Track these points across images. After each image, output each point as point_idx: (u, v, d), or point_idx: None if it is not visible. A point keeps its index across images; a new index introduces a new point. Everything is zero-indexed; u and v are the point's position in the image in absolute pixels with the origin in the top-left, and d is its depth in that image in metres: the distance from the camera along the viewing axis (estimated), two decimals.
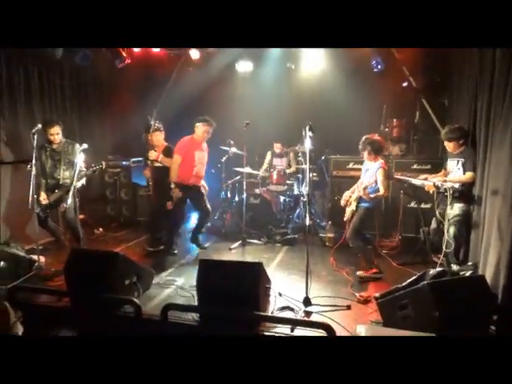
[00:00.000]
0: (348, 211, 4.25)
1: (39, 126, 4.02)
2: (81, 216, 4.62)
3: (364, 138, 4.23)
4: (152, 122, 4.72)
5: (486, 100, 3.58)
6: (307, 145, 3.56)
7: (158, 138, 4.88)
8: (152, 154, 4.71)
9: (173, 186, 4.61)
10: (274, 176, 5.95)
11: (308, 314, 3.22)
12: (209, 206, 4.93)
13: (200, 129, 4.70)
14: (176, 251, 4.85)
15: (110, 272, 3.26)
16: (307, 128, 3.56)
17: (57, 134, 4.41)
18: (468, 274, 3.44)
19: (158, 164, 4.79)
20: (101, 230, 5.86)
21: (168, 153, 4.79)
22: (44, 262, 4.14)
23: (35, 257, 4.06)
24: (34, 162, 3.88)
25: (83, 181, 4.45)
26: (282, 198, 6.09)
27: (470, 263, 3.76)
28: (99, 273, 3.26)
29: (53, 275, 3.92)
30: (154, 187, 4.93)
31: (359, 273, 4.08)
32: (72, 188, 4.05)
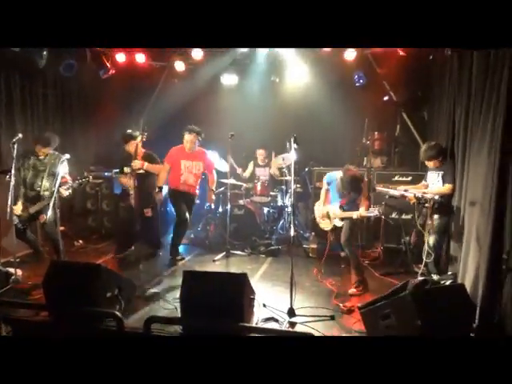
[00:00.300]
0: (329, 224, 4.33)
1: (20, 135, 3.93)
2: (61, 227, 4.53)
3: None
4: (139, 132, 4.67)
5: (463, 113, 3.72)
6: (292, 156, 3.60)
7: (139, 145, 4.85)
8: (136, 163, 4.67)
9: (157, 189, 4.86)
10: (258, 187, 5.97)
11: (292, 324, 3.22)
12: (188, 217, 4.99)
13: (185, 138, 4.89)
14: (161, 253, 5.04)
15: (91, 284, 3.18)
16: (292, 140, 3.60)
17: (46, 153, 4.39)
18: (448, 283, 3.50)
19: (140, 171, 4.75)
20: (81, 241, 5.73)
21: (150, 159, 4.83)
22: (21, 275, 4.03)
23: (12, 270, 3.94)
24: (13, 172, 3.80)
25: (69, 191, 4.35)
26: (265, 209, 6.11)
27: (449, 273, 3.85)
28: (80, 285, 3.18)
29: (31, 288, 3.81)
30: (137, 194, 4.84)
31: (351, 291, 3.97)
32: (53, 199, 3.97)
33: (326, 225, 4.45)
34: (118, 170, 5.08)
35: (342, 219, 4.19)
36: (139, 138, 4.67)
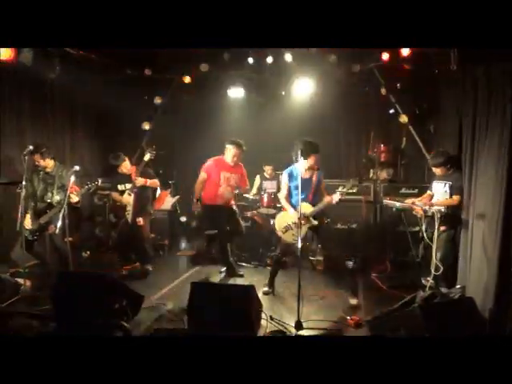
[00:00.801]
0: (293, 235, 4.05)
1: (30, 147, 3.99)
2: (69, 238, 4.56)
3: None
4: (149, 152, 4.74)
5: (470, 126, 3.72)
6: (299, 168, 3.61)
7: (127, 166, 4.94)
8: (140, 181, 4.75)
9: (195, 200, 4.80)
10: (265, 199, 5.98)
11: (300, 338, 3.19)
12: (242, 226, 5.02)
13: (229, 152, 4.73)
14: (151, 269, 4.89)
15: (98, 295, 3.20)
16: (299, 152, 3.62)
17: (49, 165, 4.40)
18: (457, 296, 3.47)
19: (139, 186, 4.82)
20: (88, 252, 5.77)
21: (149, 175, 4.90)
22: (30, 286, 4.05)
23: (21, 280, 3.97)
24: (24, 183, 3.86)
25: (78, 197, 4.38)
26: (272, 221, 6.10)
27: (458, 286, 3.81)
28: (87, 296, 3.20)
29: (39, 299, 3.82)
30: (136, 209, 4.87)
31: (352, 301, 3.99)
32: (62, 210, 4.00)
33: (289, 236, 4.06)
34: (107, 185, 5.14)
35: (315, 217, 4.00)
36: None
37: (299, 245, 3.49)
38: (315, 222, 4.03)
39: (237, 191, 5.03)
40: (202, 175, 4.73)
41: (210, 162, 4.78)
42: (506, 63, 2.78)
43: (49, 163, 4.39)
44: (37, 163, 4.34)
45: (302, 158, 3.80)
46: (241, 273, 4.95)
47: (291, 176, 4.02)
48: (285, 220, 4.12)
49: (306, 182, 3.96)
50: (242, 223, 5.67)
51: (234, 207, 4.97)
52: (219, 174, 4.71)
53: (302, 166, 3.92)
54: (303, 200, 3.89)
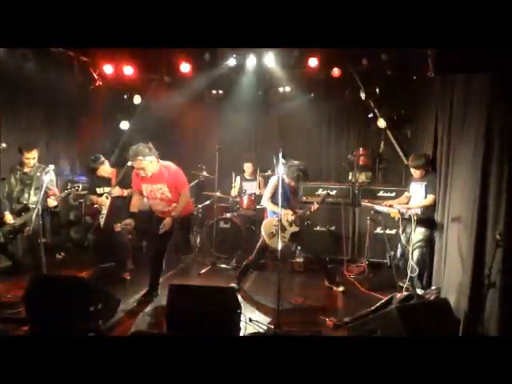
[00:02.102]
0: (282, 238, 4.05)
1: (3, 145, 3.88)
2: (43, 240, 4.43)
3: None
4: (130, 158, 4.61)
5: (446, 132, 3.83)
6: (280, 171, 3.63)
7: (107, 169, 4.81)
8: (116, 191, 4.64)
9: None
10: (245, 201, 5.98)
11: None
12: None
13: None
14: (128, 277, 4.72)
15: (73, 298, 3.11)
16: (280, 155, 3.64)
17: (33, 158, 4.30)
18: (432, 297, 3.55)
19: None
20: (63, 254, 5.61)
21: (126, 184, 4.67)
22: (1, 289, 3.90)
23: None
24: None
25: (56, 202, 4.29)
26: (252, 223, 6.11)
27: (433, 287, 3.90)
28: (62, 299, 3.10)
29: (11, 302, 3.69)
30: (111, 214, 4.75)
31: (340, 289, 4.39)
32: (36, 210, 3.88)
33: (275, 241, 4.03)
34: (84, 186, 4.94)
35: (294, 223, 4.24)
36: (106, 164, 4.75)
37: (279, 247, 3.51)
38: (297, 228, 4.26)
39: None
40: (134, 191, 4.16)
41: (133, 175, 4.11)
42: (483, 71, 2.87)
43: (33, 156, 4.29)
44: (26, 159, 4.25)
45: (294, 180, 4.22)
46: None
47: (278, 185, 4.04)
48: (271, 226, 4.23)
49: (288, 192, 4.28)
50: (223, 224, 5.67)
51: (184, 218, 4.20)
52: (140, 187, 4.00)
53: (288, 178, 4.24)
54: (286, 207, 4.20)
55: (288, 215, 4.25)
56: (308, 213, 4.30)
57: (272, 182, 4.30)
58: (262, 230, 4.27)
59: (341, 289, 4.39)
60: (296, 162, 4.28)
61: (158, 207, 4.02)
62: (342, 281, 4.69)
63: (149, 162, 3.77)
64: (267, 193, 4.29)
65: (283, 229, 4.20)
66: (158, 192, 3.93)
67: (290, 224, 4.25)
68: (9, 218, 4.13)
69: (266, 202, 4.31)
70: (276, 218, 4.09)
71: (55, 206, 4.28)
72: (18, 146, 4.39)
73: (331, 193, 4.50)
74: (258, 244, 4.31)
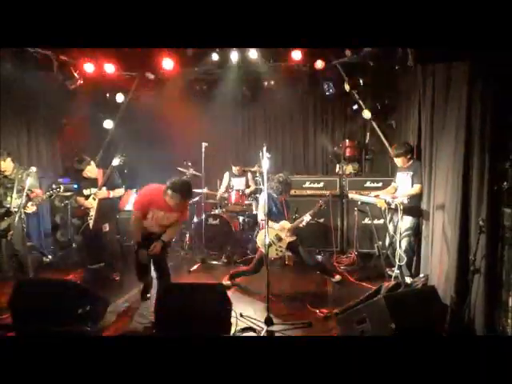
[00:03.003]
0: (279, 248, 4.29)
1: None
2: (28, 243, 4.36)
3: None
4: (118, 158, 4.56)
5: (428, 121, 3.86)
6: (264, 165, 3.62)
7: (93, 170, 4.71)
8: (103, 193, 4.59)
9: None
10: (233, 196, 5.95)
11: (270, 333, 3.20)
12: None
13: (170, 198, 3.53)
14: (117, 278, 4.67)
15: (60, 302, 3.07)
16: (264, 149, 3.62)
17: (9, 166, 4.23)
18: (420, 285, 3.59)
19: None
20: (50, 257, 5.53)
21: (113, 184, 4.69)
22: None
23: None
24: None
25: (35, 207, 4.23)
26: (241, 218, 6.10)
27: (421, 275, 3.95)
28: (49, 303, 3.05)
29: None
30: (99, 215, 4.69)
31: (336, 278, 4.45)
32: (19, 213, 3.82)
33: (272, 251, 4.21)
34: (74, 188, 4.88)
35: (293, 232, 4.27)
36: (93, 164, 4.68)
37: (267, 241, 3.51)
38: (294, 237, 4.29)
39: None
40: (136, 214, 3.69)
41: (141, 195, 3.85)
42: (462, 59, 2.89)
43: (8, 165, 4.18)
44: (3, 169, 4.18)
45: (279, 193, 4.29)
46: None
47: (269, 198, 4.15)
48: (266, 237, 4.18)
49: (280, 205, 4.36)
50: (212, 221, 5.65)
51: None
52: (147, 211, 3.66)
53: (275, 194, 4.33)
54: (282, 218, 4.31)
55: (285, 225, 4.27)
56: (301, 225, 4.29)
57: (262, 199, 4.32)
58: (258, 241, 4.29)
59: (337, 278, 4.44)
60: (276, 176, 4.34)
61: (153, 229, 3.73)
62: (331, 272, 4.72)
63: (178, 199, 3.50)
64: (260, 210, 4.32)
65: (279, 239, 4.26)
66: (167, 220, 3.68)
67: (287, 234, 4.26)
68: None
69: (260, 215, 4.33)
70: (276, 226, 4.25)
71: (34, 212, 4.21)
72: None
73: (321, 203, 4.44)
74: (257, 255, 4.29)
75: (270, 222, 4.10)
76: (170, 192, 3.46)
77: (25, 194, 3.84)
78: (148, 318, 3.46)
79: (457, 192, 2.98)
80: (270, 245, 4.14)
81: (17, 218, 3.82)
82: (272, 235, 4.21)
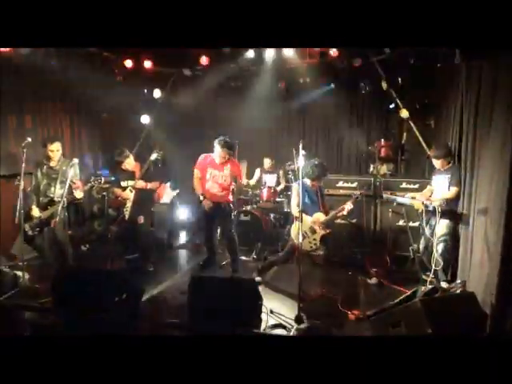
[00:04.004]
0: (313, 240, 4.22)
1: (29, 139, 3.95)
2: (68, 232, 4.55)
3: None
4: (156, 153, 4.76)
5: (472, 121, 3.71)
6: (300, 162, 3.60)
7: (131, 162, 4.87)
8: (140, 183, 4.73)
9: (201, 197, 4.57)
10: (265, 193, 5.97)
11: (300, 331, 3.19)
12: (233, 231, 4.76)
13: (215, 150, 4.52)
14: (151, 268, 4.82)
15: (98, 289, 3.19)
16: (300, 146, 3.61)
17: (57, 150, 4.36)
18: (458, 291, 3.47)
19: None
20: (88, 246, 5.75)
21: (150, 177, 4.84)
22: (28, 279, 4.04)
23: (19, 273, 3.95)
24: (22, 176, 3.83)
25: (82, 194, 4.40)
26: (272, 215, 6.11)
27: (458, 280, 3.81)
28: (88, 290, 3.18)
29: (38, 292, 3.81)
30: (135, 207, 4.83)
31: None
32: (62, 203, 3.98)
33: (306, 244, 4.16)
34: (112, 179, 5.01)
35: (327, 225, 4.17)
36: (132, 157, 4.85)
37: (300, 239, 3.50)
38: (328, 230, 4.20)
39: (232, 187, 4.74)
40: (195, 172, 4.65)
41: (200, 159, 4.68)
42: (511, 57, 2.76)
43: (56, 154, 4.37)
44: (51, 152, 4.33)
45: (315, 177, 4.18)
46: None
47: (302, 188, 4.03)
48: (299, 229, 4.13)
49: (314, 194, 4.25)
50: (243, 217, 5.69)
51: (226, 206, 4.69)
52: (206, 171, 4.60)
53: (308, 181, 4.24)
54: (316, 210, 4.20)
55: (319, 217, 4.18)
56: (341, 214, 4.17)
57: (295, 188, 4.26)
58: (292, 233, 4.26)
59: (373, 281, 4.40)
60: (311, 160, 4.24)
61: (213, 190, 4.58)
62: (364, 274, 4.65)
63: (229, 154, 4.51)
64: (293, 200, 4.27)
65: (313, 232, 4.18)
66: (222, 178, 4.58)
67: (321, 227, 4.18)
68: (35, 211, 4.23)
69: (294, 209, 4.25)
70: (309, 219, 4.16)
71: (80, 198, 4.37)
72: (42, 140, 4.49)
73: (357, 194, 4.34)
74: (288, 245, 4.29)
75: (304, 215, 3.97)
76: (217, 146, 4.44)
77: (68, 184, 4.00)
78: (180, 309, 3.52)
79: (501, 196, 2.85)
80: (303, 237, 4.10)
81: (60, 208, 3.99)
82: (306, 227, 4.14)
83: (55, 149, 4.34)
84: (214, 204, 4.57)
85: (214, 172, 4.59)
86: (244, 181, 6.22)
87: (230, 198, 4.77)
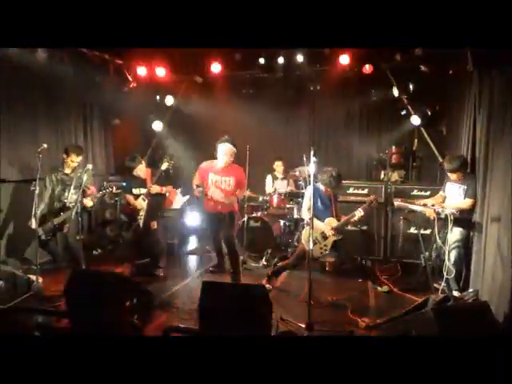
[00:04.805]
0: (324, 246, 4.24)
1: (44, 145, 4.00)
2: (81, 237, 4.61)
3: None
4: (167, 161, 4.83)
5: (484, 128, 3.68)
6: (311, 169, 3.61)
7: (143, 169, 4.88)
8: (156, 188, 4.77)
9: (196, 189, 4.43)
10: (275, 200, 5.98)
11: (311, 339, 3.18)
12: (234, 235, 4.64)
13: (219, 150, 4.43)
14: (162, 274, 4.83)
15: (110, 293, 3.22)
16: (311, 153, 3.62)
17: (77, 162, 4.46)
18: (470, 300, 3.43)
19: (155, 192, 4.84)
20: (100, 250, 5.82)
21: (163, 182, 4.89)
22: (42, 282, 4.10)
23: (33, 277, 4.02)
24: (37, 181, 3.90)
25: (92, 202, 4.47)
26: (282, 222, 6.11)
27: (470, 290, 3.76)
28: (99, 294, 3.22)
29: (51, 296, 3.87)
30: (149, 214, 4.88)
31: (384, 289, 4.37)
32: (75, 208, 4.05)
33: (317, 250, 4.19)
34: (124, 185, 5.01)
35: (339, 231, 4.17)
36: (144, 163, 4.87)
37: (311, 246, 3.49)
38: (340, 236, 4.19)
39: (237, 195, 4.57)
40: (195, 175, 4.62)
41: (201, 165, 4.61)
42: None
43: (73, 161, 4.44)
44: (71, 162, 4.41)
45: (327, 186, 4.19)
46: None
47: (315, 192, 4.09)
48: (310, 234, 4.14)
49: (327, 200, 4.25)
50: (253, 223, 5.69)
51: (227, 217, 4.49)
52: (207, 176, 4.46)
53: (322, 186, 4.26)
54: (329, 215, 4.21)
55: (331, 222, 4.19)
56: (353, 220, 4.20)
57: (307, 192, 4.26)
58: (302, 238, 4.26)
59: (385, 289, 4.35)
60: (329, 169, 4.23)
61: (216, 195, 4.40)
62: (374, 281, 4.61)
63: (232, 153, 4.39)
64: (305, 204, 4.28)
65: (324, 237, 4.19)
66: (225, 183, 4.44)
67: (333, 232, 4.17)
68: (31, 222, 4.21)
69: (305, 214, 4.27)
70: (322, 224, 4.17)
71: (91, 206, 4.44)
72: (66, 148, 4.54)
73: (372, 198, 4.33)
74: (298, 250, 4.30)
75: (315, 220, 3.98)
76: (220, 146, 4.34)
77: (81, 190, 4.07)
78: (191, 315, 3.54)
79: None
80: (314, 243, 4.08)
81: (73, 214, 4.06)
82: (317, 233, 4.14)
83: (77, 160, 4.43)
84: (218, 213, 4.47)
85: (216, 177, 4.46)
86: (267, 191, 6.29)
87: (235, 207, 4.61)
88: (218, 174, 4.46)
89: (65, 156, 4.44)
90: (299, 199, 6.16)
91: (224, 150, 4.36)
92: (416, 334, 2.69)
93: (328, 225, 4.17)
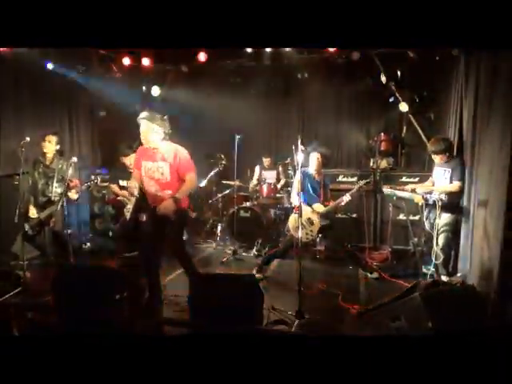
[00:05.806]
0: (311, 230, 4.28)
1: (27, 139, 3.94)
2: (68, 231, 4.54)
3: None
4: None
5: (471, 113, 3.69)
6: (299, 158, 3.59)
7: (132, 160, 4.81)
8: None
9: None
10: (264, 189, 5.96)
11: (302, 327, 3.19)
12: (182, 246, 3.75)
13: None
14: None
15: (99, 286, 3.19)
16: (299, 142, 3.59)
17: (48, 141, 4.32)
18: (458, 284, 3.47)
19: None
20: (88, 244, 5.76)
21: None
22: (30, 278, 4.04)
23: (20, 272, 3.96)
24: (21, 176, 3.82)
25: (78, 194, 4.39)
26: (272, 211, 6.10)
27: (459, 274, 3.81)
28: (88, 288, 3.18)
29: (39, 291, 3.82)
30: (137, 207, 4.80)
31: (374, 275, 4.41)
32: (61, 202, 3.98)
33: (303, 235, 3.93)
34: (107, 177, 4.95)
35: (325, 216, 4.19)
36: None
37: (299, 234, 3.48)
38: (327, 221, 4.21)
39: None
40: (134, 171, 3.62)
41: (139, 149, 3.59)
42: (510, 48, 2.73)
43: (50, 147, 4.34)
44: (43, 145, 4.30)
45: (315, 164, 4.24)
46: None
47: (305, 177, 4.14)
48: (296, 220, 4.11)
49: (316, 184, 4.25)
50: (243, 213, 5.67)
51: (172, 216, 3.33)
52: (140, 165, 3.48)
53: (312, 170, 4.28)
54: (316, 200, 4.23)
55: (318, 208, 4.22)
56: (340, 205, 4.25)
57: (296, 177, 4.22)
58: (289, 224, 4.27)
59: (375, 275, 4.39)
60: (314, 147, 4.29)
61: (151, 189, 3.43)
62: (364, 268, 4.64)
63: (151, 130, 3.30)
64: (294, 189, 4.28)
65: (311, 223, 4.20)
66: (158, 171, 3.36)
67: (320, 217, 4.20)
68: (32, 212, 4.23)
69: (295, 199, 4.26)
70: (309, 209, 4.18)
71: (76, 199, 4.36)
72: (41, 134, 4.44)
73: (362, 183, 4.38)
74: (287, 237, 4.31)
75: (303, 205, 3.82)
76: (140, 122, 3.31)
77: (66, 183, 4.00)
78: (181, 306, 3.53)
79: (501, 186, 2.84)
80: (309, 222, 4.17)
81: (59, 207, 3.99)
82: (304, 218, 4.13)
83: (48, 140, 4.31)
84: (156, 215, 3.35)
85: (147, 164, 3.40)
86: (250, 186, 6.22)
87: (182, 202, 3.40)
88: (149, 160, 3.39)
89: (42, 144, 4.34)
90: (289, 188, 6.16)
91: (144, 125, 3.29)
92: (405, 320, 2.72)
93: (315, 210, 4.17)
